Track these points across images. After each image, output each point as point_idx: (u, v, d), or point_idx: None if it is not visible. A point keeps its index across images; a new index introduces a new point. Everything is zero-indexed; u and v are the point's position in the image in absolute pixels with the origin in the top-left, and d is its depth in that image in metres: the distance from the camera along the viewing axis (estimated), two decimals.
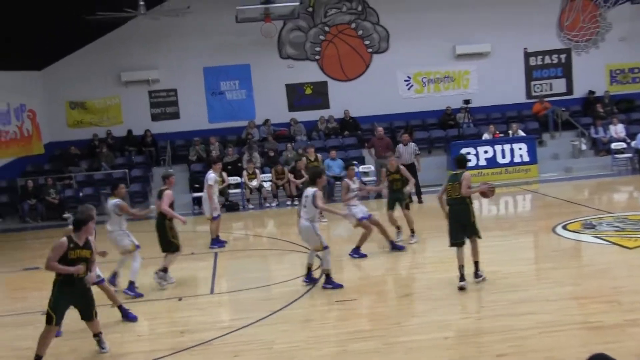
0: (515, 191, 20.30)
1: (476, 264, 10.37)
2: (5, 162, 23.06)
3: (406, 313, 9.50)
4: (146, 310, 10.47)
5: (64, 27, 21.38)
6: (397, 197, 13.76)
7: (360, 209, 12.92)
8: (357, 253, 12.85)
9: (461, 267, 10.07)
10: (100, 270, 9.87)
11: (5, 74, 22.72)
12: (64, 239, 7.83)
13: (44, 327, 7.97)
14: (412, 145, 19.44)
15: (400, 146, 19.38)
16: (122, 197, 11.57)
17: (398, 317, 9.24)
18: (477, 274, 10.33)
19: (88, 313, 8.31)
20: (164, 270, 11.76)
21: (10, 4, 18.85)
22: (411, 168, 18.08)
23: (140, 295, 11.22)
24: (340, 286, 10.76)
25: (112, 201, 11.38)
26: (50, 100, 24.58)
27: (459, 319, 8.79)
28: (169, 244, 11.80)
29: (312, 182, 11.00)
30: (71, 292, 7.93)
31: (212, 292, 11.46)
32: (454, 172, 10.47)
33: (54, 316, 7.84)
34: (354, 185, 13.19)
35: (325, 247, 10.72)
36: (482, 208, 19.47)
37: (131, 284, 11.30)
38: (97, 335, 8.52)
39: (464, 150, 22.05)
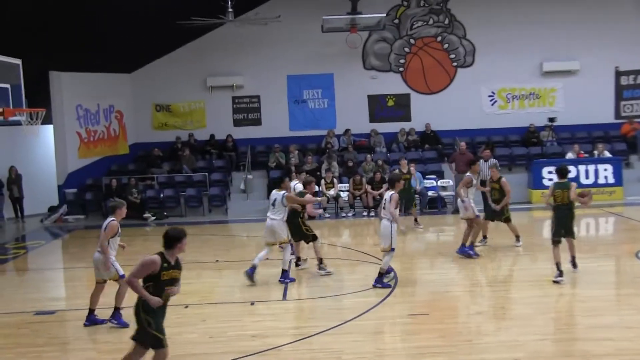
0: (597, 213, 19.65)
1: (573, 257, 12.01)
2: (92, 161, 23.83)
3: (478, 331, 9.31)
4: (219, 312, 10.60)
5: (156, 31, 21.98)
6: (493, 213, 14.62)
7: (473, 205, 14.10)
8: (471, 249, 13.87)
9: (558, 264, 11.44)
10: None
11: (96, 76, 23.53)
12: (157, 257, 7.13)
13: (155, 353, 7.18)
14: (492, 161, 19.17)
15: (481, 162, 19.16)
16: (287, 189, 12.73)
17: (469, 335, 9.07)
18: (574, 264, 11.97)
19: None
20: (320, 261, 12.91)
21: (106, 8, 19.52)
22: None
23: (293, 280, 12.35)
24: (388, 286, 11.55)
25: (280, 193, 12.43)
26: (138, 102, 25.27)
27: (532, 340, 8.54)
28: (305, 235, 12.94)
29: (390, 185, 11.84)
30: (163, 308, 7.27)
31: (284, 298, 11.52)
32: (560, 182, 11.83)
33: (163, 338, 7.12)
34: (475, 180, 14.32)
35: (392, 249, 11.53)
36: None
37: (285, 272, 12.30)
38: None
39: (547, 169, 21.58)
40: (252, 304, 11.03)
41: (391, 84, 25.33)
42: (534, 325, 9.14)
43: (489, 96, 25.31)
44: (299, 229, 12.89)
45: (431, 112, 24.77)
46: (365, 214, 21.10)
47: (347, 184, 21.84)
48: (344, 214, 21.37)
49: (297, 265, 13.46)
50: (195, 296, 11.25)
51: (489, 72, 24.90)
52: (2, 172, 22.09)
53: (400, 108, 25.39)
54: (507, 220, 14.65)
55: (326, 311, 10.58)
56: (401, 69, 25.36)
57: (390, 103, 25.44)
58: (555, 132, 24.27)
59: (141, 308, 7.04)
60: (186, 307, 10.89)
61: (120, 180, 22.59)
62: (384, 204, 11.69)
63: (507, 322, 9.42)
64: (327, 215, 21.32)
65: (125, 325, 9.87)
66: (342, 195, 21.62)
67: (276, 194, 12.57)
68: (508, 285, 12.04)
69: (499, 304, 10.70)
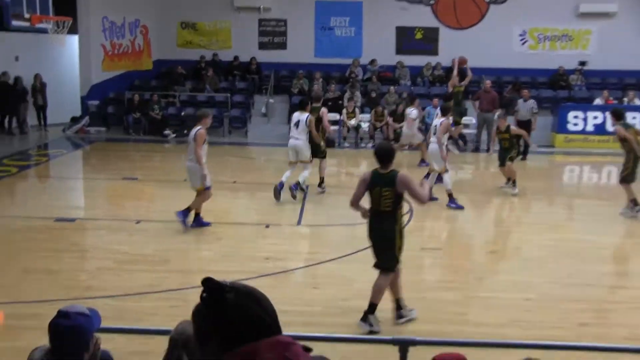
0: (621, 161, 19.42)
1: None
2: (115, 74, 23.79)
3: (490, 270, 9.38)
4: (234, 233, 10.74)
5: None
6: (506, 154, 13.90)
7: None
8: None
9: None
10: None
11: None
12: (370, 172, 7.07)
13: (383, 277, 7.10)
14: (531, 102, 19.40)
15: (520, 101, 19.35)
16: (309, 111, 12.94)
17: (481, 272, 9.14)
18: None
19: None
20: (322, 180, 13.66)
21: None
22: (527, 124, 18.64)
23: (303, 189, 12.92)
24: (462, 207, 12.35)
25: (304, 114, 12.74)
26: (163, 18, 24.99)
27: (544, 283, 8.58)
28: (321, 152, 13.48)
29: (443, 113, 12.90)
30: None
31: (299, 223, 11.62)
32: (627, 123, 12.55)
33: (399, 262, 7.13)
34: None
35: (447, 171, 12.54)
36: (582, 175, 18.87)
37: (298, 184, 12.72)
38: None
39: (573, 113, 21.36)
40: (267, 226, 11.15)
41: (421, 17, 24.83)
42: (547, 268, 9.18)
43: (520, 35, 24.80)
44: (318, 147, 13.28)
45: (459, 48, 24.20)
46: None
47: (369, 115, 21.71)
48: (364, 145, 21.31)
49: (319, 186, 13.70)
50: (211, 215, 11.37)
51: (522, 10, 24.30)
52: (28, 80, 22.14)
53: (428, 42, 24.97)
54: (511, 159, 13.94)
55: (340, 239, 10.68)
56: (432, 2, 24.82)
57: (419, 36, 25.01)
58: (585, 77, 23.84)
59: (398, 235, 7.01)
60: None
61: (142, 96, 22.57)
62: (435, 130, 12.68)
63: (520, 263, 9.46)
64: (346, 144, 21.27)
65: (207, 225, 10.66)
66: (362, 126, 21.52)
67: (299, 115, 12.83)
68: (524, 227, 12.05)
69: (514, 245, 10.74)
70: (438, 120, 12.78)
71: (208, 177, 10.52)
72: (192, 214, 10.57)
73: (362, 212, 7.20)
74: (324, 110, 13.47)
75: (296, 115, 13.02)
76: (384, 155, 7.03)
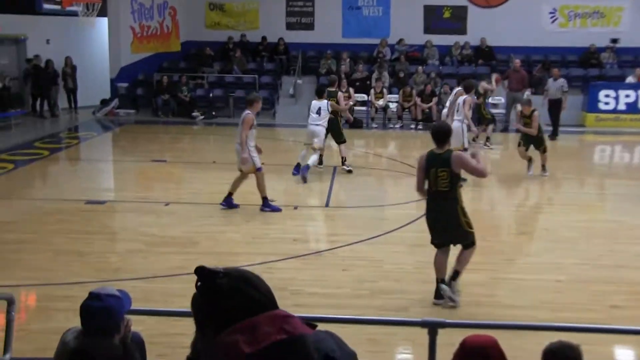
0: None
1: None
2: (144, 56, 23.89)
3: (520, 251, 9.31)
4: (262, 215, 10.75)
5: None
6: (530, 139, 13.61)
7: None
8: None
9: None
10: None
11: None
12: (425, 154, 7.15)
13: (468, 250, 7.24)
14: (561, 80, 19.19)
15: (550, 80, 19.19)
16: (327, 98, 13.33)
17: (511, 254, 9.08)
18: None
19: None
20: (344, 159, 13.96)
21: None
22: (557, 103, 18.78)
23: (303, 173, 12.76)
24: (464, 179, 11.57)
25: (323, 101, 13.13)
26: None
27: (574, 264, 8.50)
28: (340, 135, 13.91)
29: (467, 90, 13.08)
30: None
31: (327, 205, 11.62)
32: None
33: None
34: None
35: (466, 149, 12.14)
36: (613, 155, 18.61)
37: (299, 166, 12.96)
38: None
39: (604, 92, 21.07)
40: (295, 208, 11.17)
41: None
42: (578, 250, 9.08)
43: (550, 13, 24.41)
44: (337, 130, 13.83)
45: (488, 27, 24.01)
46: (413, 126, 20.91)
47: (397, 95, 21.58)
48: (392, 125, 21.22)
49: (343, 164, 13.92)
50: (240, 197, 11.41)
51: None
52: (59, 63, 22.32)
53: (456, 20, 24.69)
54: (544, 151, 13.59)
55: (368, 221, 10.66)
56: None
57: (447, 15, 24.74)
58: (617, 54, 23.43)
59: (461, 212, 7.09)
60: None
61: (171, 78, 22.65)
62: (457, 107, 12.81)
63: (550, 244, 9.37)
64: (374, 125, 21.18)
65: (278, 210, 10.72)
66: (390, 106, 21.40)
67: (318, 103, 13.18)
68: (554, 208, 11.93)
69: (543, 226, 10.64)
70: (461, 98, 12.84)
71: (257, 159, 10.57)
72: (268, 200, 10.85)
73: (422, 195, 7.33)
74: (340, 94, 13.96)
75: (315, 104, 13.31)
76: (440, 135, 7.08)
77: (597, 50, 23.52)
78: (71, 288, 7.28)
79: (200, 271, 2.00)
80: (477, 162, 7.18)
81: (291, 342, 1.89)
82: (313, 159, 13.13)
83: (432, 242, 7.29)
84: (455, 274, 7.21)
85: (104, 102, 22.96)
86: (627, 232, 9.93)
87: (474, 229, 7.17)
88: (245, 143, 10.41)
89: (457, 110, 12.83)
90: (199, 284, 2.01)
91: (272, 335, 1.88)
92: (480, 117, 17.52)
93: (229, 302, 1.96)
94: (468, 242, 7.18)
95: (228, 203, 10.80)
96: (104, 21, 22.85)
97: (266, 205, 10.78)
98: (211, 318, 1.97)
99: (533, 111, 13.60)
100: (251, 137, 10.53)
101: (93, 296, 3.47)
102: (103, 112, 22.53)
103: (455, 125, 12.55)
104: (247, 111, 10.57)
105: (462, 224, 7.07)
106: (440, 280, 7.22)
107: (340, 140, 13.96)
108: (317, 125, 13.16)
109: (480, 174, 7.33)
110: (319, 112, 13.15)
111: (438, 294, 7.20)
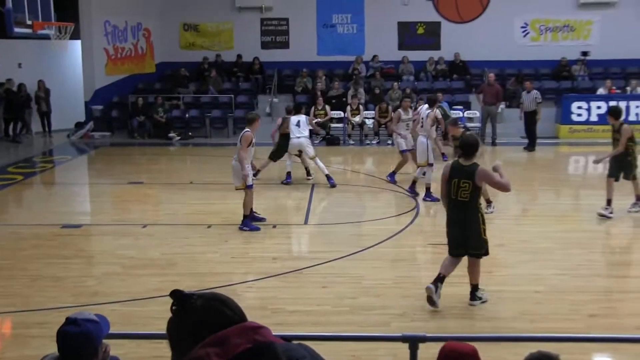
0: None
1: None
2: (118, 78, 23.81)
3: (498, 263, 9.34)
4: (241, 234, 10.72)
5: None
6: (620, 164, 11.62)
7: (405, 141, 14.02)
8: (392, 177, 14.23)
9: None
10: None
11: None
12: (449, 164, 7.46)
13: (478, 261, 7.52)
14: (534, 92, 19.50)
15: (524, 93, 19.51)
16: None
17: (489, 266, 9.09)
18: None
19: None
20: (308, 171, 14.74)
21: None
22: (532, 115, 19.12)
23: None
24: (437, 199, 11.62)
25: (301, 116, 14.19)
26: (165, 20, 25.00)
27: (552, 275, 8.57)
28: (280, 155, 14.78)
29: (430, 105, 12.98)
30: None
31: (306, 222, 11.62)
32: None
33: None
34: (406, 116, 13.99)
35: (430, 164, 12.59)
36: (588, 165, 18.80)
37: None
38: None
39: (576, 104, 21.36)
40: (274, 226, 11.15)
41: (422, 11, 24.77)
42: (555, 260, 9.15)
43: (522, 27, 24.72)
44: (283, 150, 14.57)
45: (461, 42, 24.28)
46: (390, 142, 20.97)
47: (373, 112, 21.67)
48: (369, 142, 21.29)
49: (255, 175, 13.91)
50: (218, 217, 11.39)
51: (523, 2, 24.21)
52: (32, 86, 22.18)
53: (430, 36, 24.92)
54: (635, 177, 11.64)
55: (347, 237, 10.66)
56: None
57: (420, 31, 24.96)
58: (588, 67, 23.76)
59: (481, 220, 7.35)
60: (209, 227, 11.05)
61: (146, 99, 22.59)
62: (422, 122, 12.77)
63: (527, 256, 9.42)
64: (351, 142, 21.25)
65: (256, 229, 10.76)
66: (367, 123, 21.48)
67: (298, 116, 14.16)
68: (531, 219, 12.01)
69: (521, 238, 10.70)
70: (424, 113, 12.86)
71: (250, 177, 10.80)
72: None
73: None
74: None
75: (294, 118, 14.22)
76: (469, 147, 7.37)
77: (568, 63, 23.84)
78: (48, 314, 7.19)
79: (176, 294, 2.06)
80: (501, 177, 7.39)
81: (260, 350, 1.95)
82: (320, 165, 14.00)
83: (451, 253, 7.56)
84: (475, 288, 7.52)
85: (79, 125, 22.83)
86: (603, 242, 10.04)
87: (487, 238, 7.44)
88: (245, 160, 10.60)
89: (422, 126, 12.91)
90: (174, 307, 2.06)
91: (242, 345, 1.93)
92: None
93: (205, 319, 2.02)
94: (482, 252, 7.42)
95: (253, 219, 11.08)
96: (77, 44, 22.75)
97: (246, 224, 10.81)
98: (187, 337, 2.01)
99: (622, 124, 11.42)
100: (249, 156, 10.82)
101: (70, 321, 3.43)
102: (78, 135, 22.38)
103: (420, 140, 12.87)
104: (247, 129, 10.80)
105: (480, 232, 7.33)
106: (441, 276, 7.45)
107: (273, 157, 14.91)
108: (298, 137, 14.04)
109: (504, 188, 7.52)
110: (298, 124, 14.09)
111: (436, 284, 7.41)
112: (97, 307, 6.70)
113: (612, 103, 21.23)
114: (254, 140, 10.81)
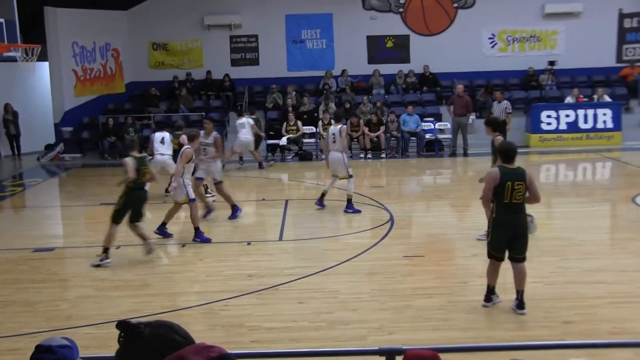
0: (595, 158, 19.67)
1: None
2: (88, 99, 23.68)
3: (473, 273, 9.38)
4: (216, 252, 10.68)
5: None
6: None
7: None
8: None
9: None
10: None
11: (92, 13, 23.21)
12: (497, 169, 7.65)
13: (523, 265, 7.69)
14: (505, 102, 19.92)
15: (495, 103, 19.93)
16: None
17: (464, 277, 9.16)
18: None
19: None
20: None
21: None
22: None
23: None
24: (358, 211, 12.81)
25: (337, 127, 13.29)
26: (134, 40, 24.94)
27: (526, 282, 8.60)
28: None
29: (337, 120, 13.43)
30: None
31: (280, 238, 11.60)
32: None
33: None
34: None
35: (351, 176, 12.91)
36: (558, 173, 19.03)
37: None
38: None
39: (545, 113, 21.64)
40: (249, 244, 11.12)
41: (391, 25, 25.01)
42: (529, 268, 9.16)
43: (489, 38, 25.04)
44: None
45: (430, 54, 24.52)
46: (362, 155, 21.08)
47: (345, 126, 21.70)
48: None
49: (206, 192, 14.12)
50: (192, 235, 11.31)
51: (490, 13, 24.58)
52: None
53: (399, 49, 25.13)
54: None
55: (322, 252, 10.65)
56: (401, 10, 25.01)
57: (389, 44, 25.16)
58: (555, 76, 24.09)
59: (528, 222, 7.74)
60: (183, 246, 10.99)
61: (116, 119, 22.47)
62: (334, 137, 12.94)
63: (502, 265, 9.47)
64: (323, 157, 21.23)
65: (207, 241, 11.05)
66: None
67: (334, 128, 13.25)
68: None
69: None
70: (336, 128, 13.04)
71: (189, 190, 11.04)
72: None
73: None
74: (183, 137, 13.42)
75: (158, 135, 15.43)
76: (512, 152, 7.69)
77: (535, 72, 24.18)
78: (20, 340, 7.06)
79: (122, 325, 2.12)
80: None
81: None
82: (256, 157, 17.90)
83: (495, 256, 7.78)
84: (521, 294, 7.63)
85: (49, 147, 22.64)
86: (575, 249, 10.14)
87: None
88: (180, 175, 10.90)
89: (334, 142, 13.00)
90: (121, 339, 2.12)
91: None
92: None
93: (154, 346, 2.07)
94: (525, 254, 7.67)
95: (161, 232, 11.34)
96: (45, 65, 22.58)
97: (198, 236, 11.09)
98: None
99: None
100: (187, 171, 11.06)
101: (44, 349, 3.35)
102: (48, 158, 22.19)
103: (336, 155, 13.03)
104: (187, 146, 11.16)
105: (527, 235, 7.69)
106: (491, 287, 7.81)
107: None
108: (246, 137, 17.76)
109: (538, 197, 7.84)
110: (243, 126, 17.70)
111: (488, 298, 7.80)
112: (71, 331, 6.61)
113: (580, 111, 21.66)
114: (194, 157, 11.22)
